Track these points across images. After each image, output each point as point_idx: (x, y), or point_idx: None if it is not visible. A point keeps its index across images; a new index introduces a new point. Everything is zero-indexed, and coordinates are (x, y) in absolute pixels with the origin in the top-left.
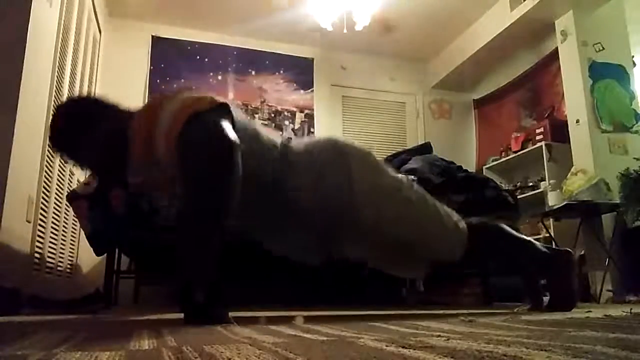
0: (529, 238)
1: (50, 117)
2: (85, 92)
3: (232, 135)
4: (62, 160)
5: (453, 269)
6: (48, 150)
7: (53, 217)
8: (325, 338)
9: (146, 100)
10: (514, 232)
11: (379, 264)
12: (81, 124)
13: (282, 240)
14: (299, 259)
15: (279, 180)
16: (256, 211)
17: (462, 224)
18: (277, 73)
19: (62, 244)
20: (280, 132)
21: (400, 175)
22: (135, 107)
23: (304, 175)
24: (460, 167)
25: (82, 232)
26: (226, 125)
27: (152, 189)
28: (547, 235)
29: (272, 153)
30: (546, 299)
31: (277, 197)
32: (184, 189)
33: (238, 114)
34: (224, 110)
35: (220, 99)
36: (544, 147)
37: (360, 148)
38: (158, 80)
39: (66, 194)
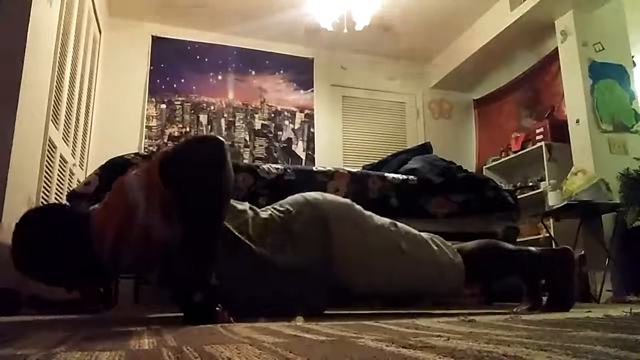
0: (525, 248)
1: (11, 242)
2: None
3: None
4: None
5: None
6: (48, 150)
7: None
8: (325, 338)
9: (146, 101)
10: (508, 245)
11: (382, 307)
12: (42, 239)
13: (276, 307)
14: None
15: (257, 260)
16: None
17: (457, 258)
18: (277, 73)
19: None
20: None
21: (386, 221)
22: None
23: (280, 250)
24: (460, 167)
25: None
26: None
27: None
28: (547, 235)
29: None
30: (545, 298)
31: (259, 277)
32: (181, 198)
33: None
34: None
35: None
36: (544, 147)
37: (338, 204)
38: (158, 80)
39: (66, 194)
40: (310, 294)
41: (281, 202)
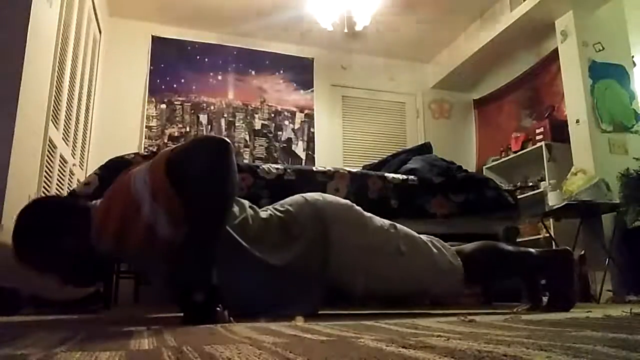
0: (524, 249)
1: (13, 230)
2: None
3: (222, 138)
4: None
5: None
6: (48, 150)
7: None
8: (325, 338)
9: (146, 101)
10: (507, 247)
11: (379, 306)
12: (43, 229)
13: (271, 306)
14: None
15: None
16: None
17: (457, 261)
18: (277, 73)
19: None
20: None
21: (385, 223)
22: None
23: (277, 249)
24: (460, 167)
25: None
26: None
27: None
28: (547, 235)
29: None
30: (546, 298)
31: (255, 274)
32: (187, 198)
33: None
34: None
35: None
36: (544, 147)
37: (338, 205)
38: (158, 80)
39: (66, 194)
40: (305, 294)
41: (281, 202)
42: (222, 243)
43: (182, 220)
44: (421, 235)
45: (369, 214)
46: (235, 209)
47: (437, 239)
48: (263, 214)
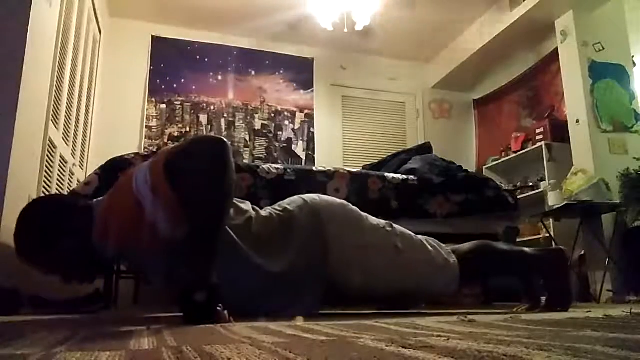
0: (519, 248)
1: (14, 229)
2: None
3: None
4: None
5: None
6: (48, 150)
7: None
8: (325, 338)
9: (146, 101)
10: (503, 247)
11: (377, 305)
12: (46, 228)
13: (272, 308)
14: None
15: (251, 257)
16: (237, 287)
17: (452, 258)
18: (277, 73)
19: None
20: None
21: (381, 222)
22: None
23: (278, 249)
24: (460, 167)
25: None
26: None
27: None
28: (547, 235)
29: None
30: (544, 298)
31: (253, 272)
32: (185, 197)
33: None
34: None
35: None
36: (544, 147)
37: (335, 205)
38: (158, 80)
39: (66, 194)
40: (305, 296)
41: (280, 202)
42: (224, 245)
43: (182, 218)
44: (417, 235)
45: (364, 214)
46: (242, 206)
47: (432, 238)
48: (264, 213)
